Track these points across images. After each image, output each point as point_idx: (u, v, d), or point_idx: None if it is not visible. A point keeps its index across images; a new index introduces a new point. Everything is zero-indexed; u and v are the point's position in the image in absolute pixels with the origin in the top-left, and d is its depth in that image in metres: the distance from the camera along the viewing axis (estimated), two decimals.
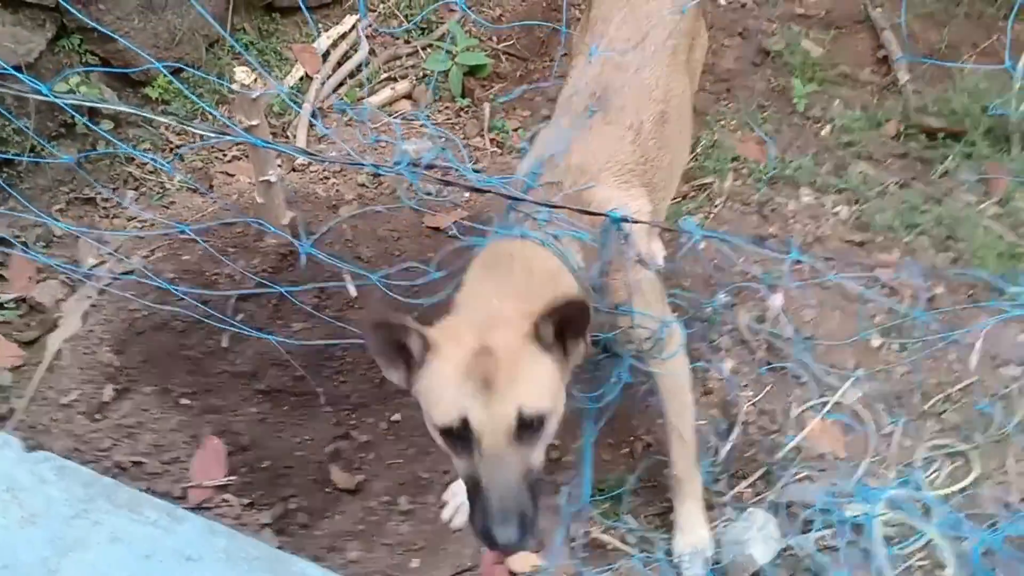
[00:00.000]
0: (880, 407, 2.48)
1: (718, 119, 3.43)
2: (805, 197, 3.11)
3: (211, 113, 3.27)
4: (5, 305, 2.81)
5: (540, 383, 1.63)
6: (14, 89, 2.38)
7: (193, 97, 3.26)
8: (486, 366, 1.58)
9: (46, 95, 1.86)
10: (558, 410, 1.69)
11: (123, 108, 2.23)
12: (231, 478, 2.31)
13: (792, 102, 3.52)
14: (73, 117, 3.14)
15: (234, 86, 2.29)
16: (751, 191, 3.14)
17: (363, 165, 1.80)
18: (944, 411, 2.45)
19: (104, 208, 3.16)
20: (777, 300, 2.71)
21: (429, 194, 2.85)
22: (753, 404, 2.51)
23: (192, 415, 2.42)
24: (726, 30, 3.87)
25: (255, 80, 2.29)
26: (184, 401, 2.45)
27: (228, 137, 2.57)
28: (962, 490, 2.26)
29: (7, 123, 2.99)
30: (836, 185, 3.14)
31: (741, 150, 3.30)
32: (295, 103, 3.51)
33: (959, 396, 2.47)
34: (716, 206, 3.08)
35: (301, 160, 3.28)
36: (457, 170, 1.96)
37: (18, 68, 2.98)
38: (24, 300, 2.83)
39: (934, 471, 2.32)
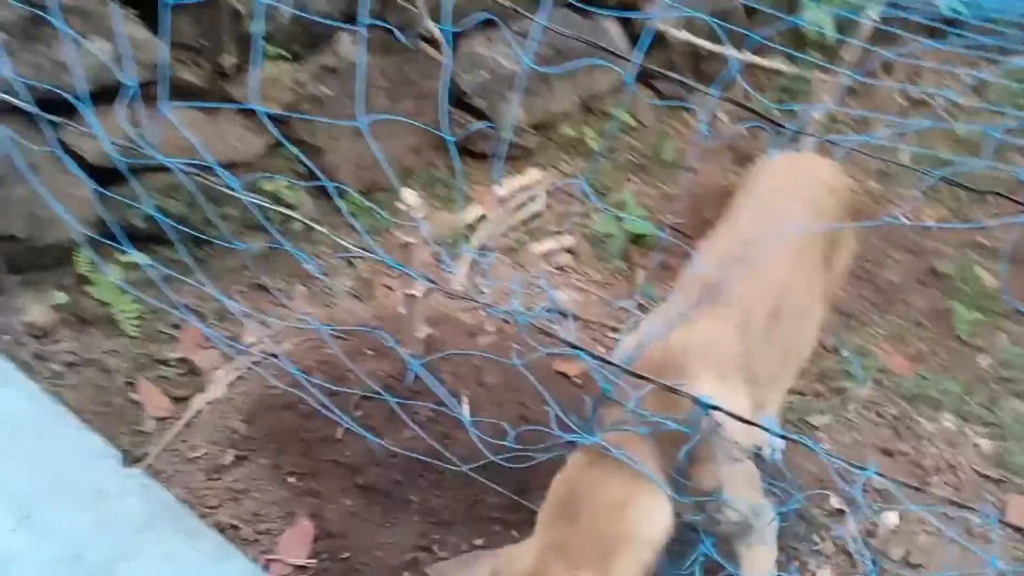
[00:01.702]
0: None
1: (868, 327, 3.39)
2: (946, 422, 2.99)
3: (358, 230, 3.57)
4: (169, 363, 3.13)
5: None
6: (216, 182, 2.74)
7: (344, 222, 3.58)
8: None
9: (233, 189, 2.14)
10: None
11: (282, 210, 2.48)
12: (311, 561, 2.42)
13: (953, 327, 3.44)
14: (267, 215, 3.54)
15: (400, 205, 2.53)
16: (889, 404, 3.06)
17: (473, 300, 1.94)
18: None
19: (275, 298, 3.49)
20: (891, 517, 2.59)
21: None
22: None
23: (294, 493, 2.57)
24: (896, 244, 3.87)
25: (420, 203, 2.53)
26: (291, 479, 2.60)
27: (360, 252, 2.81)
28: None
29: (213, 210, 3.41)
30: (983, 417, 3.01)
31: (886, 360, 3.24)
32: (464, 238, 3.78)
33: None
34: (848, 411, 3.02)
35: (456, 286, 3.51)
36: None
37: (233, 165, 3.42)
38: (186, 362, 3.14)
39: None
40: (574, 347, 1.82)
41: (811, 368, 3.22)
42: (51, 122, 2.81)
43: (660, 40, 4.65)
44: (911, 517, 2.62)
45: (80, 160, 3.12)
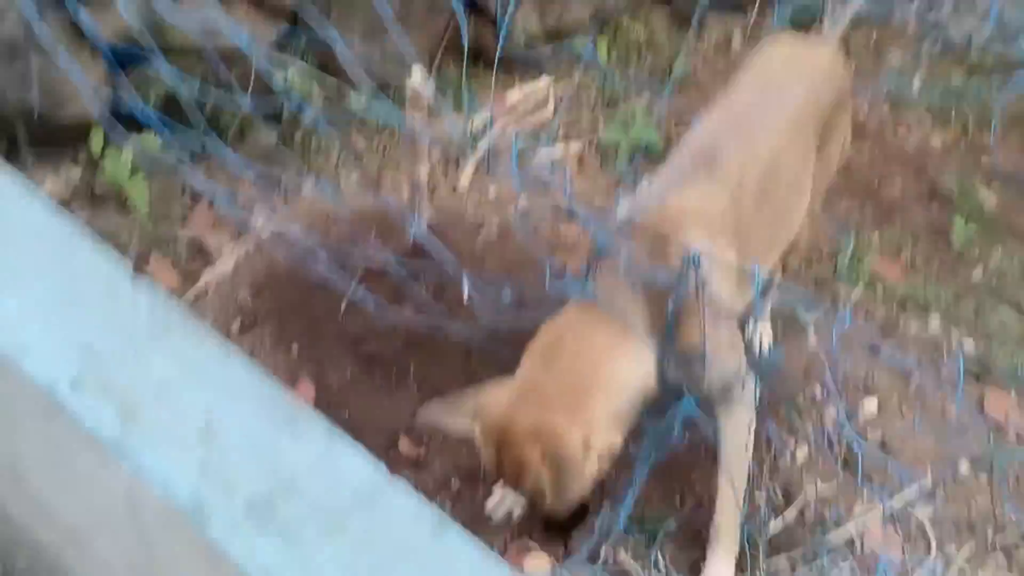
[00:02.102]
0: (951, 530, 2.39)
1: (864, 238, 3.45)
2: (933, 324, 3.06)
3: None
4: (180, 242, 3.22)
5: (544, 498, 1.89)
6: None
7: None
8: (499, 472, 1.93)
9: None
10: (582, 492, 1.94)
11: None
12: None
13: (949, 241, 3.49)
14: (281, 107, 3.61)
15: (408, 82, 2.59)
16: (878, 308, 3.13)
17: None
18: (1018, 546, 2.33)
19: (286, 187, 3.57)
20: (870, 404, 2.68)
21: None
22: (817, 492, 2.48)
23: (296, 360, 2.68)
24: (901, 162, 3.90)
25: (428, 81, 2.59)
26: (294, 346, 2.71)
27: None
28: None
29: (228, 97, 3.47)
30: (971, 322, 3.08)
31: (880, 268, 3.30)
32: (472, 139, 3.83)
33: None
34: (838, 311, 3.09)
35: (463, 184, 3.59)
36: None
37: (243, 54, 3.47)
38: (196, 241, 3.23)
39: None
40: (572, 209, 1.91)
41: (806, 273, 3.29)
42: None
43: None
44: (890, 407, 2.71)
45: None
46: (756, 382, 2.15)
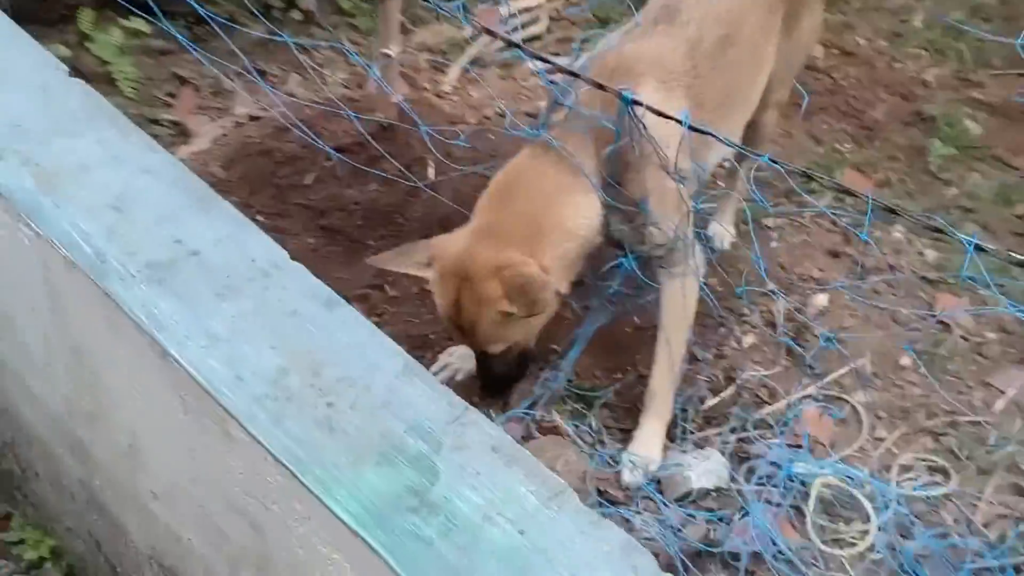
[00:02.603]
0: (884, 416, 2.44)
1: (840, 154, 3.46)
2: (896, 233, 3.08)
3: None
4: (162, 123, 3.29)
5: (497, 336, 2.01)
6: None
7: None
8: (456, 307, 1.98)
9: None
10: (530, 334, 2.08)
11: None
12: None
13: (927, 162, 3.50)
14: (269, 2, 3.66)
15: None
16: (844, 217, 3.15)
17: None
18: (945, 433, 2.37)
19: (271, 82, 3.62)
20: (820, 298, 2.72)
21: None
22: (757, 376, 2.53)
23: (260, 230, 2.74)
24: (889, 88, 3.89)
25: None
26: (259, 217, 2.77)
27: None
28: (928, 499, 2.19)
29: None
30: (935, 235, 3.09)
31: (852, 181, 3.31)
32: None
33: (968, 428, 2.39)
34: (803, 219, 3.12)
35: (446, 89, 3.63)
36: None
37: None
38: (178, 124, 3.30)
39: (909, 477, 2.26)
40: (525, 51, 1.94)
41: (776, 185, 3.31)
42: None
43: None
44: (839, 302, 2.74)
45: None
46: (701, 253, 2.19)
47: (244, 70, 3.63)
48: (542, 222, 1.95)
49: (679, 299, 2.20)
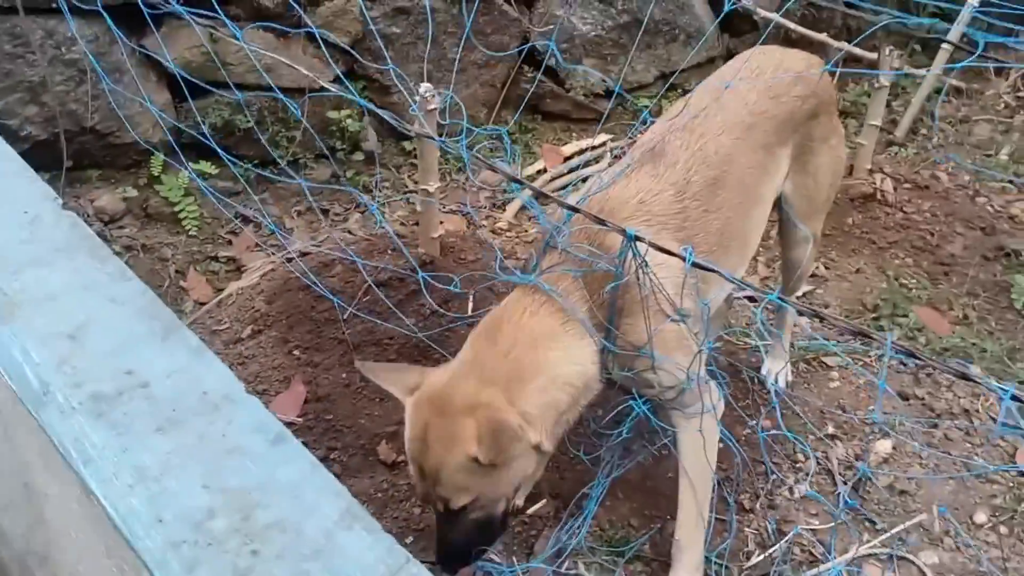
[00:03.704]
0: None
1: (913, 291, 3.26)
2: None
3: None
4: (220, 259, 3.37)
5: (461, 484, 1.80)
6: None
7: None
8: (423, 443, 1.80)
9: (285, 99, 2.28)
10: (499, 491, 1.87)
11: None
12: (298, 418, 2.55)
13: (1011, 298, 3.26)
14: (335, 144, 3.79)
15: (419, 90, 2.66)
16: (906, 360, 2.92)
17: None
18: None
19: (333, 220, 3.69)
20: (884, 444, 2.49)
21: None
22: (813, 531, 2.29)
23: (295, 363, 2.72)
24: (968, 222, 3.70)
25: (434, 95, 2.66)
26: (295, 351, 2.76)
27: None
28: None
29: (283, 131, 3.68)
30: (1019, 377, 2.83)
31: (924, 317, 3.10)
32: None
33: None
34: (869, 355, 2.91)
35: (502, 225, 3.62)
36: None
37: (301, 91, 3.66)
38: (235, 260, 3.38)
39: None
40: (519, 181, 1.89)
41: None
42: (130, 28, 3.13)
43: (750, 21, 4.65)
44: (906, 449, 2.50)
45: (160, 68, 3.44)
46: (720, 392, 2.04)
47: (305, 209, 3.78)
48: (527, 366, 1.83)
49: (698, 442, 2.02)
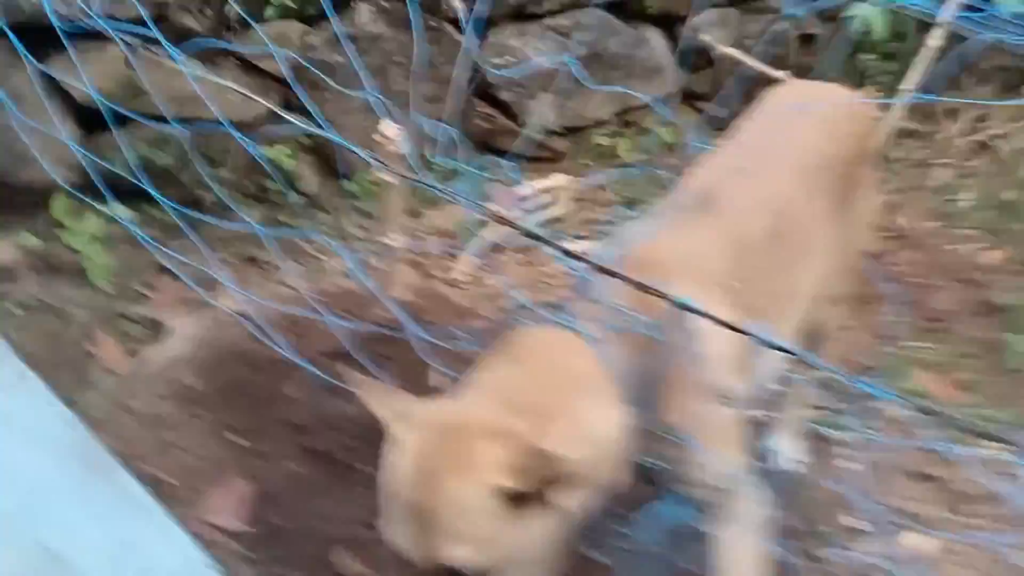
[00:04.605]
0: None
1: (907, 351, 3.04)
2: (983, 451, 2.60)
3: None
4: (134, 319, 2.92)
5: (469, 532, 1.33)
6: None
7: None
8: (419, 474, 1.37)
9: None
10: (517, 553, 1.38)
11: None
12: (239, 526, 2.14)
13: (1005, 359, 3.07)
14: (267, 185, 3.38)
15: (377, 137, 2.31)
16: (920, 427, 2.68)
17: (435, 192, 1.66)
18: None
19: (264, 269, 3.27)
20: (912, 537, 2.22)
21: None
22: None
23: (233, 453, 2.30)
24: (950, 274, 3.52)
25: (400, 136, 2.31)
26: (232, 437, 2.34)
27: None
28: None
29: (209, 169, 3.24)
30: None
31: (927, 385, 2.88)
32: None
33: None
34: (869, 428, 2.65)
35: (460, 277, 3.27)
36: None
37: (236, 124, 3.25)
38: (153, 320, 2.93)
39: None
40: (543, 239, 1.55)
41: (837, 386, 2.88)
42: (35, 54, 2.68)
43: (706, 57, 4.43)
44: (952, 549, 2.24)
45: (67, 98, 2.99)
46: (763, 493, 1.72)
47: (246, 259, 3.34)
48: (557, 403, 1.45)
49: (737, 552, 1.70)
